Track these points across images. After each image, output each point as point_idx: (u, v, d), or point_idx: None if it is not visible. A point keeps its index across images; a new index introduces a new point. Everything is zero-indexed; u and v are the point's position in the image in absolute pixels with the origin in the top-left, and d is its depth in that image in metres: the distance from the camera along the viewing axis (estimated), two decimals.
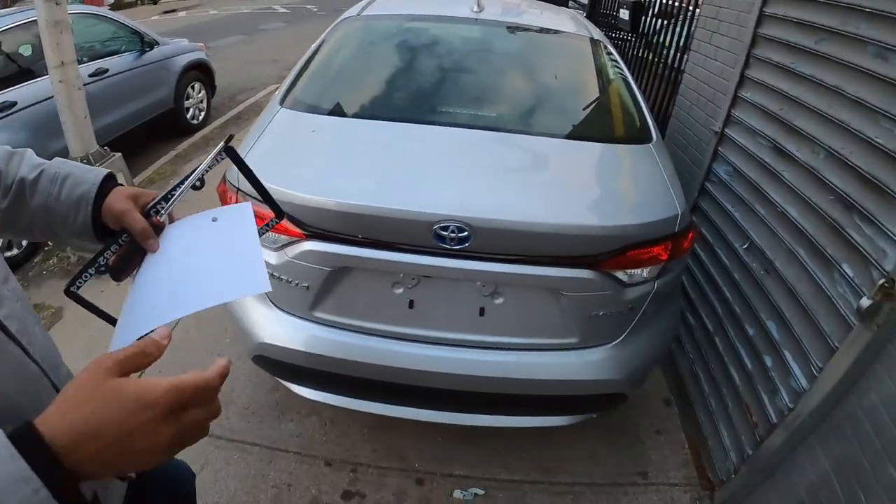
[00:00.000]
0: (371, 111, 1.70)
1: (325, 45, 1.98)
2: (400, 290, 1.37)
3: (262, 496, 1.65)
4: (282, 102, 1.69)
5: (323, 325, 1.45)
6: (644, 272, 1.32)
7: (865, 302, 1.13)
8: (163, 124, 4.22)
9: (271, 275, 1.41)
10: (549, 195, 1.37)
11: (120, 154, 2.90)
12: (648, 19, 3.68)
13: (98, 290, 1.90)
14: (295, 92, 1.73)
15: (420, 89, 1.78)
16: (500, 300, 1.37)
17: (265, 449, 1.79)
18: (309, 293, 1.39)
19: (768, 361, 1.52)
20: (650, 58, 3.45)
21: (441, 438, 1.85)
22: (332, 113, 1.66)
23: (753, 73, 1.78)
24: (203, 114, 4.79)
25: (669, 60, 2.94)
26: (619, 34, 4.24)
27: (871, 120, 1.22)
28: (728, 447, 1.66)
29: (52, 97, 2.98)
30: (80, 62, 3.31)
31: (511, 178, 1.43)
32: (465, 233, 1.23)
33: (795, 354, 1.42)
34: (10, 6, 6.04)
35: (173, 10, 12.64)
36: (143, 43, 4.00)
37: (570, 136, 1.61)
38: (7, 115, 2.91)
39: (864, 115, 1.25)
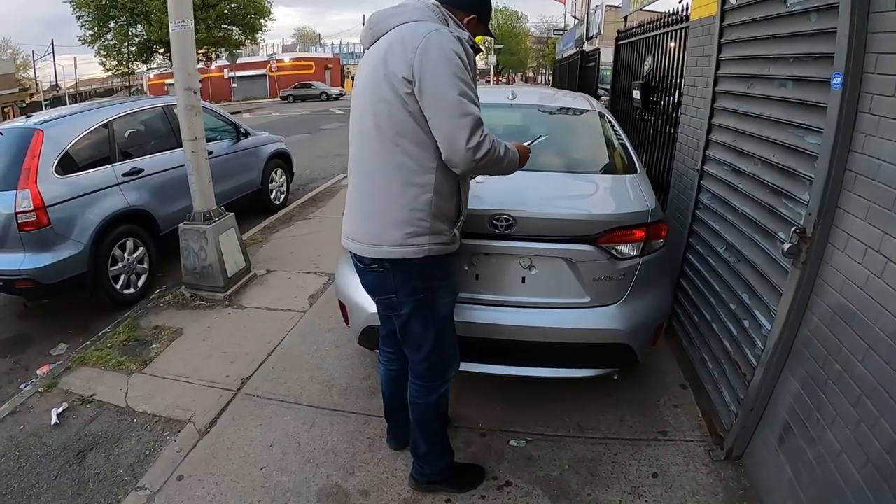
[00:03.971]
0: None
1: None
2: (467, 267, 1.97)
3: (359, 445, 2.12)
4: None
5: None
6: (630, 249, 1.90)
7: (786, 246, 1.62)
8: (251, 203, 5.13)
9: None
10: (564, 198, 2.03)
11: (233, 213, 3.72)
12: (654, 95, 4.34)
13: None
14: None
15: None
16: (534, 271, 1.94)
17: (360, 415, 2.31)
18: None
19: (746, 323, 1.96)
20: (667, 129, 4.03)
21: (499, 407, 2.29)
22: None
23: (716, 121, 2.42)
24: (283, 196, 5.79)
25: (670, 125, 3.64)
26: (636, 112, 4.79)
27: (783, 130, 1.80)
28: (729, 402, 2.02)
29: (171, 168, 3.93)
30: None
31: (541, 191, 2.06)
32: (510, 222, 1.85)
33: (760, 309, 1.87)
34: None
35: (237, 112, 14.27)
36: (238, 132, 5.01)
37: (582, 171, 2.31)
38: (135, 179, 3.74)
39: (778, 128, 1.83)
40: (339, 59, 45.97)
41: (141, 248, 3.75)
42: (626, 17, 8.12)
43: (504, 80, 41.18)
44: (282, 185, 5.79)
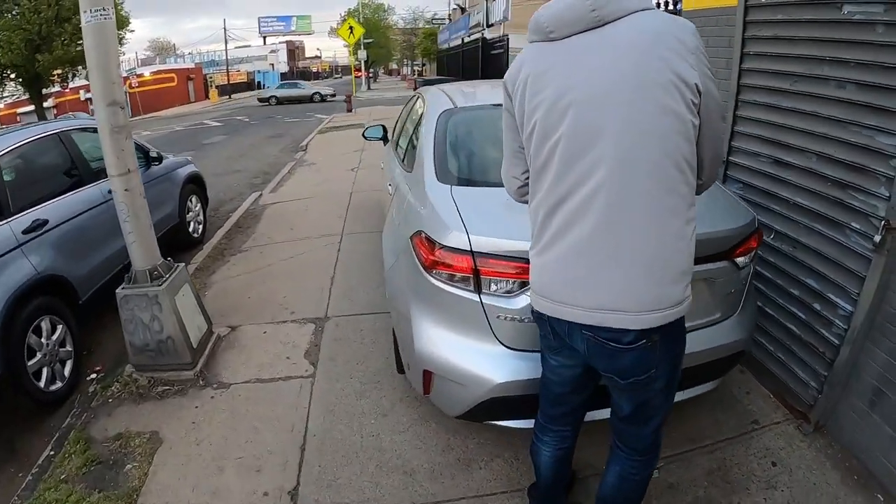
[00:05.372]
0: None
1: (439, 132, 2.43)
2: None
3: None
4: (447, 181, 2.13)
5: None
6: (747, 258, 1.93)
7: (878, 238, 1.82)
8: (167, 240, 4.19)
9: (514, 319, 1.70)
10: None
11: (184, 264, 2.99)
12: None
13: None
14: (454, 173, 2.19)
15: None
16: None
17: (472, 499, 1.97)
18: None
19: (817, 306, 2.16)
20: None
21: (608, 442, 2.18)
22: (491, 184, 2.04)
23: (742, 113, 2.56)
24: (202, 227, 4.92)
25: None
26: None
27: (845, 129, 1.98)
28: (806, 380, 2.23)
29: (82, 213, 3.12)
30: (98, 179, 3.40)
31: None
32: None
33: (835, 293, 2.07)
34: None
35: None
36: (147, 157, 4.06)
37: None
38: (40, 235, 2.81)
39: (838, 126, 2.01)
40: (202, 68, 42.52)
41: (60, 327, 2.84)
42: None
43: (371, 74, 40.43)
44: (199, 215, 4.91)
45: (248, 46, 60.44)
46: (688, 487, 1.99)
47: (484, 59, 9.55)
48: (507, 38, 8.58)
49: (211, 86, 37.88)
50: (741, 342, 1.97)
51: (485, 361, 1.77)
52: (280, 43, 63.85)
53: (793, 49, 2.15)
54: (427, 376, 1.94)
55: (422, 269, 1.89)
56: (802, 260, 2.23)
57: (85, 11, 2.38)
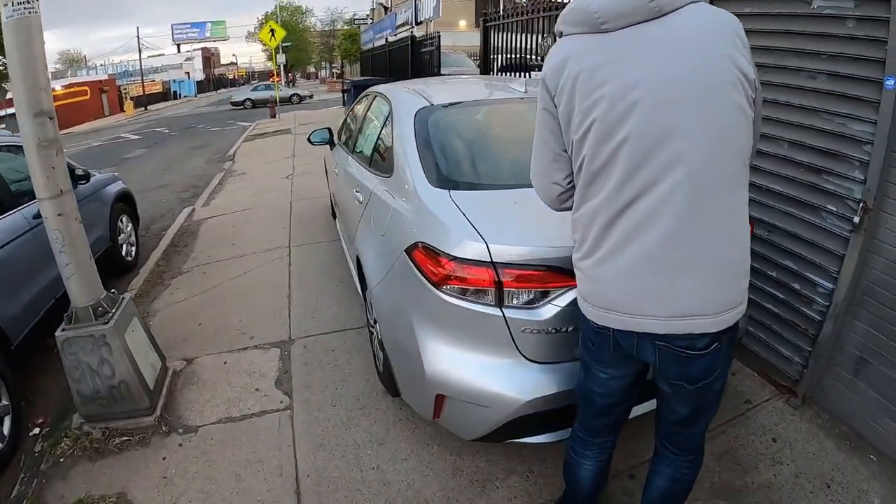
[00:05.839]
0: (518, 180, 1.95)
1: (420, 132, 2.24)
2: None
3: None
4: (442, 186, 1.94)
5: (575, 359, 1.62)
6: None
7: (857, 219, 1.94)
8: (100, 266, 3.67)
9: (540, 331, 1.59)
10: None
11: (130, 295, 2.62)
12: None
13: None
14: (449, 176, 2.01)
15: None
16: None
17: None
18: (574, 333, 1.58)
19: (797, 286, 2.28)
20: None
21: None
22: (493, 187, 1.97)
23: None
24: (135, 249, 4.41)
25: None
26: None
27: (817, 117, 2.08)
28: (790, 356, 2.35)
29: (9, 242, 2.70)
30: (21, 203, 2.99)
31: None
32: None
33: (816, 272, 2.19)
34: None
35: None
36: (74, 175, 3.52)
37: None
38: None
39: (809, 115, 2.10)
40: (115, 80, 40.10)
41: None
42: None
43: (290, 79, 39.13)
44: (131, 236, 4.40)
45: (162, 55, 57.73)
46: (702, 475, 1.97)
47: (413, 58, 9.40)
48: (439, 36, 8.48)
49: (126, 98, 35.82)
50: (741, 330, 2.01)
51: (510, 379, 1.66)
52: (195, 50, 61.15)
53: (764, 41, 2.23)
54: (439, 400, 1.80)
55: (428, 284, 1.74)
56: (779, 243, 2.34)
57: (6, 4, 1.96)
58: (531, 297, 1.61)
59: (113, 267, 4.03)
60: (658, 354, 1.20)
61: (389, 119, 2.66)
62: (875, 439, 2.03)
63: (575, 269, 1.30)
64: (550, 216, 1.71)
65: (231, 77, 69.88)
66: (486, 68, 6.39)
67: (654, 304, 1.13)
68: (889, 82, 1.77)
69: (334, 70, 54.77)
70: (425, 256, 1.76)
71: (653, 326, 1.15)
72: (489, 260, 1.58)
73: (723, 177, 1.09)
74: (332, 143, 4.22)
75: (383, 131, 2.77)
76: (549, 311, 1.59)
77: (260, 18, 48.45)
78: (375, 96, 3.35)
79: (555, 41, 1.25)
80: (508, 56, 5.62)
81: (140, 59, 41.00)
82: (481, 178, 2.07)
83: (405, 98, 2.70)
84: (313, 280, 3.85)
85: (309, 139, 4.22)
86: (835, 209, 2.06)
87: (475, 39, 6.75)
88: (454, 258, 1.64)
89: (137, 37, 41.75)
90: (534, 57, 5.03)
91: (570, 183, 1.27)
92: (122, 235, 4.23)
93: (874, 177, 1.88)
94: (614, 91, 1.08)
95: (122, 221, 4.26)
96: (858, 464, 2.01)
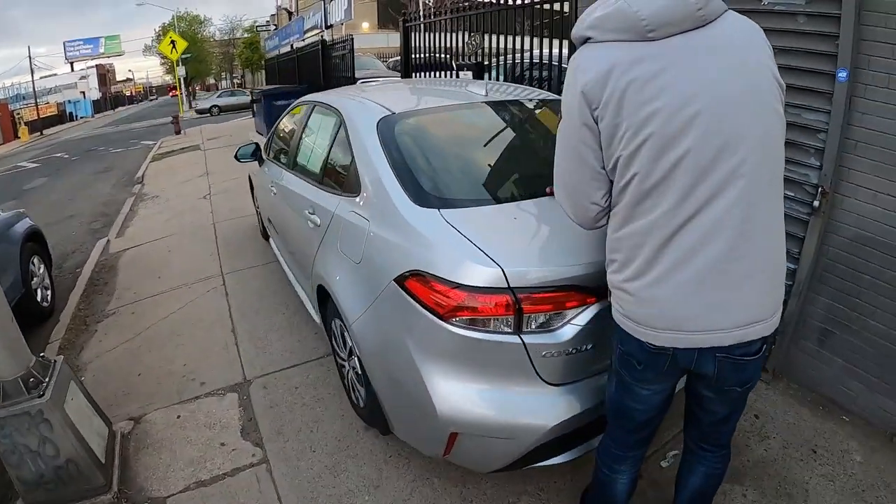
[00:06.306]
0: (510, 193, 1.94)
1: (389, 145, 2.05)
2: None
3: None
4: (429, 204, 1.78)
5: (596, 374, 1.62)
6: None
7: (816, 203, 2.08)
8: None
9: (560, 354, 1.52)
10: None
11: (62, 357, 2.19)
12: None
13: None
14: (436, 194, 1.85)
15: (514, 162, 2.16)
16: None
17: None
18: (593, 350, 1.55)
19: None
20: None
21: None
22: (486, 202, 1.85)
23: None
24: (50, 293, 3.78)
25: None
26: None
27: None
28: None
29: None
30: None
31: None
32: None
33: None
34: None
35: None
36: None
37: None
38: None
39: None
40: (7, 104, 36.09)
41: None
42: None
43: (190, 92, 36.70)
44: (45, 279, 3.80)
45: (55, 75, 53.70)
46: None
47: (325, 63, 8.96)
48: (352, 39, 8.13)
49: (20, 123, 32.06)
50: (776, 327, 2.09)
51: (532, 407, 1.57)
52: (89, 68, 57.32)
53: None
54: (452, 438, 1.66)
55: (431, 317, 1.58)
56: None
57: None
58: (549, 319, 1.52)
59: (28, 316, 3.43)
60: (717, 366, 1.20)
61: (342, 131, 2.43)
62: (845, 401, 2.21)
63: (617, 291, 1.24)
64: (557, 231, 1.65)
65: (129, 94, 66.06)
66: (407, 70, 6.30)
67: (720, 318, 1.12)
68: (841, 75, 1.90)
69: (235, 80, 52.93)
70: (423, 286, 1.61)
71: (719, 340, 1.13)
72: (506, 286, 1.46)
73: (770, 185, 1.11)
74: (260, 159, 3.87)
75: (335, 145, 2.53)
76: (569, 331, 1.52)
77: (157, 30, 46.20)
78: (314, 106, 3.08)
79: (579, 47, 1.16)
80: (429, 56, 5.60)
81: (33, 80, 37.60)
82: (471, 193, 1.93)
83: (357, 107, 2.49)
84: (256, 310, 3.51)
85: (236, 157, 3.92)
86: (793, 194, 2.19)
87: (379, 41, 6.67)
88: (462, 287, 1.50)
89: (29, 57, 38.41)
90: (462, 57, 4.98)
91: (607, 202, 1.21)
92: (35, 279, 3.63)
93: (830, 162, 2.01)
94: (671, 103, 1.03)
95: (34, 263, 3.67)
96: (835, 426, 2.17)
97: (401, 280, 1.69)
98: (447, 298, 1.52)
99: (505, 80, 4.42)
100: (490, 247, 1.55)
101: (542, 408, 1.56)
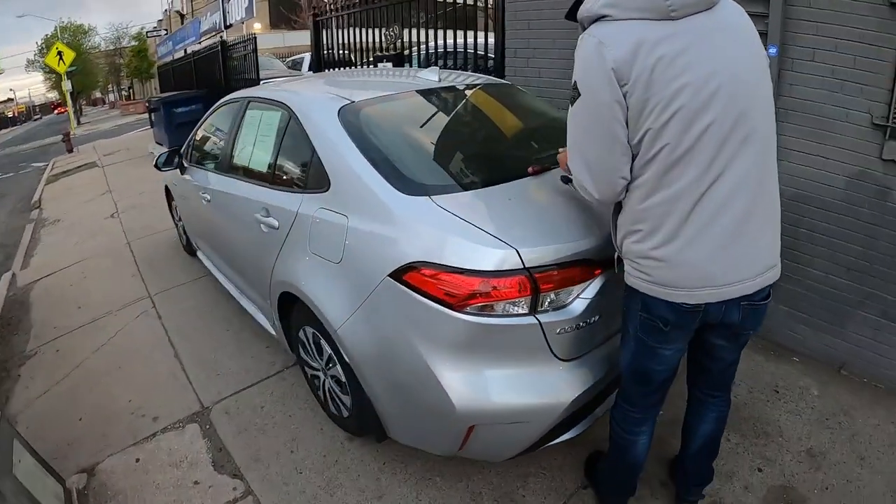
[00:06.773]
0: (494, 175, 1.86)
1: (355, 134, 1.94)
2: None
3: None
4: (417, 192, 1.69)
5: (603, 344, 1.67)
6: None
7: None
8: None
9: (572, 329, 1.53)
10: None
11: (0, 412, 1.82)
12: None
13: None
14: (422, 181, 1.77)
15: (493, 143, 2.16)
16: None
17: None
18: (599, 321, 1.57)
19: None
20: None
21: None
22: (475, 185, 1.79)
23: None
24: None
25: None
26: None
27: None
28: None
29: None
30: None
31: None
32: None
33: None
34: None
35: None
36: None
37: None
38: None
39: None
40: None
41: None
42: None
43: (78, 107, 32.58)
44: None
45: None
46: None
47: (226, 65, 8.34)
48: (255, 38, 7.62)
49: None
50: None
51: (549, 386, 1.56)
52: None
53: None
54: (469, 432, 1.61)
55: (443, 308, 1.51)
56: None
57: None
58: (561, 295, 1.52)
59: None
60: (741, 313, 1.31)
61: (293, 124, 2.25)
62: (794, 344, 2.47)
63: (641, 260, 1.29)
64: (555, 208, 1.66)
65: (11, 115, 57.99)
66: (319, 65, 6.15)
67: (745, 269, 1.24)
68: (772, 51, 2.10)
69: (122, 92, 48.85)
70: (428, 277, 1.53)
71: (747, 289, 1.25)
72: (521, 266, 1.43)
73: (771, 148, 1.26)
74: (181, 167, 3.51)
75: (285, 140, 2.34)
76: (579, 305, 1.53)
77: (40, 43, 42.04)
78: (247, 103, 2.83)
79: (587, 26, 1.21)
80: (344, 51, 5.55)
81: None
82: (458, 177, 1.87)
83: (308, 99, 2.32)
84: (197, 330, 3.20)
85: (157, 165, 3.55)
86: None
87: (275, 41, 6.61)
88: (476, 272, 1.45)
89: None
90: (383, 49, 4.95)
91: (630, 175, 1.26)
92: None
93: None
94: (696, 79, 1.13)
95: None
96: (789, 368, 2.41)
97: (397, 274, 1.60)
98: (459, 287, 1.46)
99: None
100: (497, 229, 1.51)
101: (558, 385, 1.56)
